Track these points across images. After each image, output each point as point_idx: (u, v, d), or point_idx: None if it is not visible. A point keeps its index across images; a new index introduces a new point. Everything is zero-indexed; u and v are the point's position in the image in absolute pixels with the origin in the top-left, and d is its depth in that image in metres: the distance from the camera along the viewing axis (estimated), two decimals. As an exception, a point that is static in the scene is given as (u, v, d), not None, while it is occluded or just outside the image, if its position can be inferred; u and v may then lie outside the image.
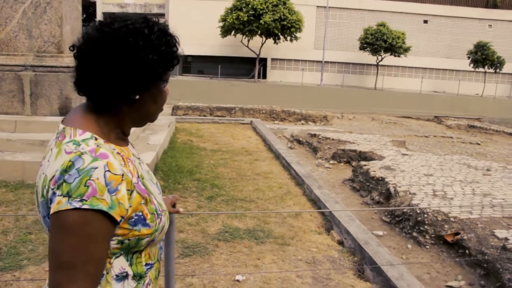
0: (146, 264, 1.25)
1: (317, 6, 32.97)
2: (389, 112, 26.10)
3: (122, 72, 1.11)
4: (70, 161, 1.05)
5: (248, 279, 3.45)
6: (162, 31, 1.17)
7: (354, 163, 10.06)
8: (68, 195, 1.02)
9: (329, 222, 4.46)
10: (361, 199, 8.05)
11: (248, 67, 31.83)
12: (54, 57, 5.71)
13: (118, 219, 1.08)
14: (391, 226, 6.59)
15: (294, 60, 34.04)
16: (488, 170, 9.31)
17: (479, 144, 16.78)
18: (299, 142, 13.20)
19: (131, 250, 1.18)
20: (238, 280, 3.39)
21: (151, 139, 6.58)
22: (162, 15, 35.70)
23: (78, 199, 1.02)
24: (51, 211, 1.04)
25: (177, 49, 1.21)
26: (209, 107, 20.08)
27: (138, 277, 1.22)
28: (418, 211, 6.23)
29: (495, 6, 35.48)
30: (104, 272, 1.13)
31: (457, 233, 5.65)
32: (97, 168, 1.04)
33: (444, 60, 35.64)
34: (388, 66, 34.12)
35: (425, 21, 35.05)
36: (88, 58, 1.12)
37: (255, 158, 6.99)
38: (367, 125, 21.55)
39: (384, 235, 6.30)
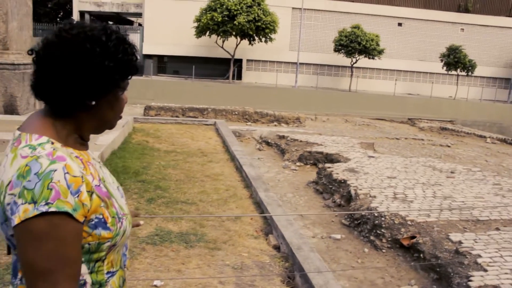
0: (108, 272, 1.23)
1: (293, 8, 32.96)
2: (363, 114, 26.22)
3: (79, 78, 1.12)
4: (26, 165, 1.05)
5: (167, 285, 3.30)
6: (120, 39, 1.19)
7: (320, 165, 9.98)
8: (33, 201, 1.01)
9: (269, 226, 4.33)
10: (323, 201, 7.97)
11: (223, 68, 31.63)
12: (-1, 53, 5.46)
13: (81, 220, 1.08)
14: (350, 229, 6.51)
15: (270, 61, 33.97)
16: (452, 172, 9.34)
17: (449, 146, 16.96)
18: (268, 143, 13.09)
19: (91, 256, 1.17)
20: (156, 286, 3.24)
21: (99, 139, 6.35)
22: (139, 14, 35.21)
23: (44, 203, 1.01)
24: (16, 221, 1.02)
25: (135, 58, 1.23)
26: (182, 108, 19.87)
27: (98, 285, 1.20)
28: (376, 215, 6.16)
29: (466, 10, 36.10)
30: None
31: (413, 237, 5.59)
32: (56, 170, 1.05)
33: (418, 62, 36.05)
34: (362, 68, 34.32)
35: (399, 24, 35.39)
36: (46, 63, 1.13)
37: (209, 160, 6.83)
38: (340, 127, 21.58)
39: (342, 239, 6.22)
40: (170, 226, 4.48)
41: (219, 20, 25.75)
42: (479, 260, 4.69)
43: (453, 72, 33.28)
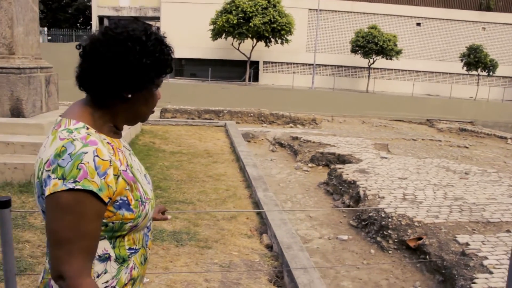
0: (130, 249, 1.34)
1: (309, 9, 32.84)
2: (380, 115, 25.96)
3: (119, 72, 1.23)
4: (63, 146, 1.17)
5: (153, 282, 3.31)
6: (159, 40, 1.30)
7: (332, 166, 9.91)
8: (63, 177, 1.13)
9: (265, 226, 4.31)
10: (333, 202, 7.90)
11: (240, 70, 31.70)
12: (5, 58, 5.56)
13: (106, 200, 1.19)
14: (358, 230, 6.45)
15: (286, 63, 33.90)
16: (466, 173, 9.16)
17: (467, 147, 16.65)
18: (281, 145, 13.05)
19: (114, 234, 1.28)
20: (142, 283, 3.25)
21: None
22: (157, 18, 35.59)
23: (72, 181, 1.13)
24: (47, 193, 1.15)
25: (171, 58, 1.34)
26: (197, 110, 20.01)
27: (121, 260, 1.31)
28: (383, 215, 6.09)
29: (488, 8, 35.40)
30: None
31: (420, 238, 5.50)
32: (87, 153, 1.16)
33: (437, 63, 35.50)
34: (380, 69, 33.97)
35: (418, 24, 34.93)
36: (91, 57, 1.25)
37: (214, 160, 6.84)
38: (356, 128, 21.41)
39: (349, 240, 6.16)
40: (164, 224, 4.51)
41: (234, 22, 25.85)
42: (485, 262, 4.58)
43: (474, 72, 32.67)
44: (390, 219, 5.95)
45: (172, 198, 5.44)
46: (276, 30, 26.79)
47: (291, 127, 19.13)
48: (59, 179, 1.14)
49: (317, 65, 32.62)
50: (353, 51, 30.24)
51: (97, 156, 1.17)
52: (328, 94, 27.93)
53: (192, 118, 18.74)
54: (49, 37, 36.30)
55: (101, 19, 36.93)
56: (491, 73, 32.17)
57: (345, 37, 32.66)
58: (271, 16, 25.94)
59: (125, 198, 1.26)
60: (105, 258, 1.28)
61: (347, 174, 8.21)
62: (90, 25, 41.64)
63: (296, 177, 9.86)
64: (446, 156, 13.59)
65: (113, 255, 1.29)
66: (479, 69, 31.77)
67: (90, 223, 1.17)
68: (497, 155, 15.00)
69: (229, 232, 4.48)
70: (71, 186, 1.13)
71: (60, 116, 1.32)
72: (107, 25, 1.31)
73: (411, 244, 5.49)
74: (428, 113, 27.23)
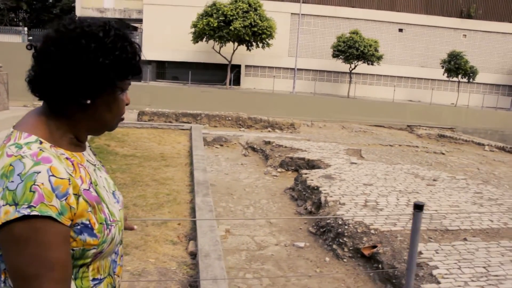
0: (94, 279, 1.18)
1: (292, 13, 32.82)
2: (361, 120, 25.98)
3: (72, 74, 1.08)
4: (10, 165, 1.01)
5: None
6: (119, 36, 1.14)
7: (300, 172, 9.78)
8: (15, 203, 0.97)
9: (195, 232, 4.15)
10: (297, 208, 7.76)
11: (222, 74, 31.50)
12: None
13: (68, 224, 1.04)
14: (316, 237, 6.31)
15: (268, 67, 33.81)
16: (434, 180, 9.10)
17: (443, 153, 16.68)
18: (254, 149, 12.91)
19: (76, 262, 1.12)
20: None
21: None
22: (141, 20, 35.30)
23: (26, 206, 0.98)
24: None
25: (136, 56, 1.17)
26: (175, 113, 19.84)
27: None
28: (340, 222, 5.95)
29: (469, 16, 35.78)
30: None
31: (374, 246, 5.37)
32: (39, 172, 1.00)
33: (419, 69, 35.71)
34: (362, 74, 34.06)
35: (400, 30, 35.14)
36: (42, 57, 1.11)
37: (166, 164, 6.65)
38: (335, 133, 21.35)
39: (306, 247, 6.01)
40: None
41: (215, 25, 25.69)
42: (435, 272, 4.47)
43: (454, 79, 32.93)
44: (346, 226, 5.82)
45: (107, 203, 5.19)
46: (257, 34, 26.69)
47: (269, 131, 19.00)
48: (10, 205, 0.97)
49: (298, 69, 32.58)
50: (335, 56, 30.26)
51: (53, 175, 1.01)
52: (308, 99, 27.89)
53: (170, 121, 18.54)
54: (30, 37, 35.72)
55: (83, 20, 36.51)
56: (471, 80, 32.44)
57: (327, 42, 32.68)
58: (252, 20, 25.84)
59: (87, 222, 1.10)
60: None
61: (312, 180, 8.09)
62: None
63: (264, 182, 9.71)
64: (420, 162, 13.55)
65: (73, 287, 1.13)
66: (460, 76, 32.03)
67: (56, 251, 1.01)
68: (472, 161, 15.02)
69: (154, 238, 4.29)
70: (25, 212, 0.97)
71: (13, 127, 1.15)
72: (61, 21, 1.15)
73: (366, 252, 5.36)
74: (409, 119, 27.35)
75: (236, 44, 27.81)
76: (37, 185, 0.99)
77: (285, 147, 11.97)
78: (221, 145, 13.69)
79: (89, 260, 1.14)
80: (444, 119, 28.15)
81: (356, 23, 33.48)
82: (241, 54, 29.96)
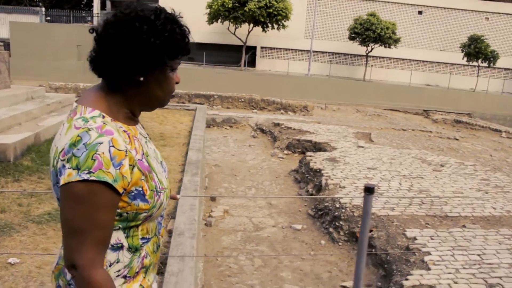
0: (142, 238, 1.32)
1: (309, -6, 32.31)
2: (376, 104, 25.62)
3: (127, 53, 1.21)
4: (78, 136, 1.15)
5: (24, 262, 3.17)
6: (169, 19, 1.26)
7: (306, 154, 9.73)
8: (77, 167, 1.12)
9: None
10: (299, 190, 7.74)
11: (237, 55, 31.24)
12: None
13: (121, 191, 1.18)
14: (314, 220, 6.29)
15: (284, 49, 33.42)
16: (441, 165, 8.96)
17: (457, 139, 16.40)
18: (263, 131, 12.87)
19: (128, 224, 1.26)
20: (10, 263, 3.11)
21: (47, 121, 6.21)
22: (157, 1, 35.15)
23: (86, 171, 1.12)
24: (62, 182, 1.14)
25: (185, 38, 1.29)
26: (188, 94, 19.89)
27: (134, 249, 1.30)
28: (338, 206, 5.92)
29: (492, -2, 34.76)
30: None
31: (370, 231, 5.33)
32: (102, 143, 1.14)
33: (437, 52, 34.88)
34: (379, 57, 33.43)
35: (420, 12, 34.30)
36: (102, 39, 1.23)
37: (164, 144, 6.62)
38: (349, 117, 21.13)
39: (303, 229, 6.00)
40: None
41: (229, 6, 25.43)
42: (426, 258, 4.42)
43: (474, 63, 32.12)
44: (343, 210, 5.78)
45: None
46: (272, 15, 26.34)
47: (281, 113, 18.91)
48: (73, 169, 1.13)
49: (314, 52, 32.15)
50: (351, 38, 29.73)
51: (113, 146, 1.16)
52: (323, 82, 27.57)
53: (183, 102, 18.61)
54: (48, 17, 35.87)
55: (103, 0, 36.52)
56: (491, 65, 31.60)
57: (344, 24, 32.08)
58: (267, 1, 25.50)
59: (140, 189, 1.24)
60: (117, 248, 1.27)
61: (315, 162, 8.04)
62: (92, 6, 41.20)
63: (269, 163, 9.69)
64: (432, 147, 13.32)
65: (126, 244, 1.28)
66: (480, 60, 31.20)
67: (103, 213, 1.16)
68: (486, 148, 14.71)
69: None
70: (85, 176, 1.12)
71: (75, 102, 1.30)
72: (120, 7, 1.28)
73: (360, 236, 5.32)
74: (425, 103, 26.86)
75: (251, 25, 27.52)
76: (99, 154, 1.13)
77: (294, 129, 11.90)
78: (231, 126, 13.69)
79: (139, 222, 1.29)
80: (462, 104, 27.57)
81: (374, 5, 32.78)
82: (256, 36, 29.67)
